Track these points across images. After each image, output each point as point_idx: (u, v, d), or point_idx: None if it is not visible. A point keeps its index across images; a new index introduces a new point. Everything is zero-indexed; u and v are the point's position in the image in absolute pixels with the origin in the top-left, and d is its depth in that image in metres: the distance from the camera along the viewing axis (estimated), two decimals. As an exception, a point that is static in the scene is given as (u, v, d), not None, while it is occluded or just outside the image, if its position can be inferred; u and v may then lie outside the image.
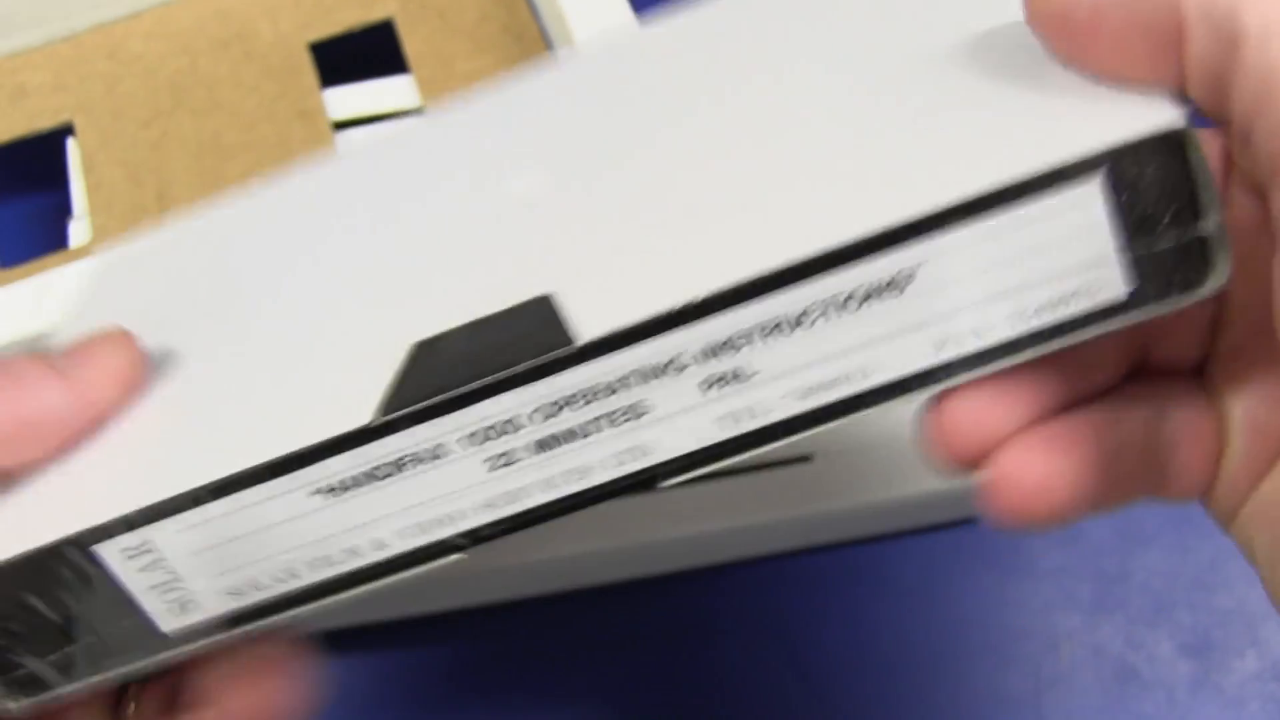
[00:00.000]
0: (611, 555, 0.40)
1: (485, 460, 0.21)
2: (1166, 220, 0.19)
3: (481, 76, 0.41)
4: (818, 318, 0.20)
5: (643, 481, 0.22)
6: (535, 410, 0.21)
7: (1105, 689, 0.43)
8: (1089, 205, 0.19)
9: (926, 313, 0.20)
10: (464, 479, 0.21)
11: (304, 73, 0.41)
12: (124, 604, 0.22)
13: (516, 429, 0.21)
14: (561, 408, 0.21)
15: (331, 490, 0.21)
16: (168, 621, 0.22)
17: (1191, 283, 0.20)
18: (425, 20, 0.42)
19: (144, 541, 0.22)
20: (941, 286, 0.20)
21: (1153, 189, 0.19)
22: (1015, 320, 0.20)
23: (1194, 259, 0.19)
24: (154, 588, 0.22)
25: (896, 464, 0.40)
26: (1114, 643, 0.43)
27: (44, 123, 0.41)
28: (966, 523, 0.44)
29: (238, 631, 0.23)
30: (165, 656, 0.23)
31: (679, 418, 0.21)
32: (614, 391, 0.21)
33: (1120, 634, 0.42)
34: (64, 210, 0.41)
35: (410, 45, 0.42)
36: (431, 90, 0.41)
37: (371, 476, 0.21)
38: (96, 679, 0.23)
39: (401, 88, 0.42)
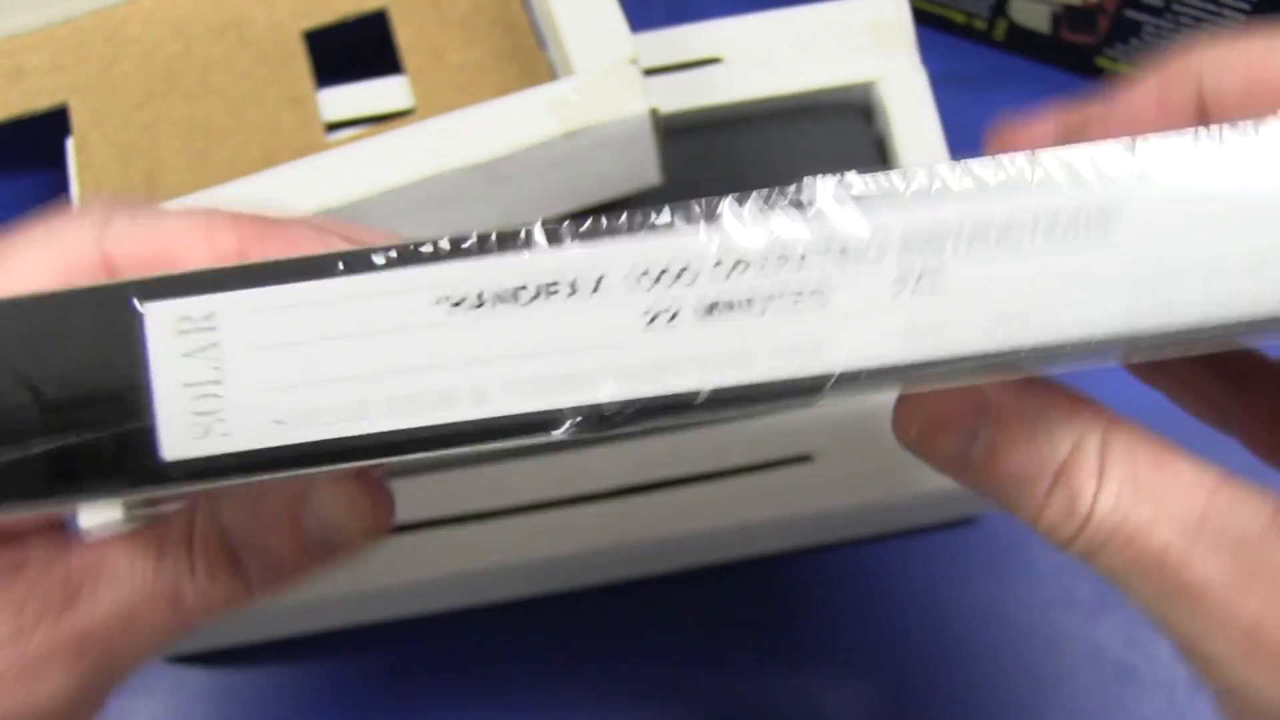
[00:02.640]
0: (611, 555, 0.40)
1: (645, 311, 0.18)
2: None
3: (471, 68, 0.41)
4: (1024, 232, 0.18)
5: (803, 389, 0.19)
6: (717, 263, 0.18)
7: (1105, 689, 0.43)
8: None
9: (1129, 259, 0.19)
10: (615, 327, 0.18)
11: (296, 60, 0.41)
12: (135, 404, 0.18)
13: (691, 279, 0.18)
14: (745, 268, 0.18)
15: (460, 303, 0.18)
16: (176, 443, 0.18)
17: None
18: (418, 11, 0.42)
19: (209, 315, 0.18)
20: (1149, 233, 0.18)
21: None
22: (1209, 301, 0.19)
23: None
24: (187, 386, 0.18)
25: (896, 464, 0.39)
26: (1114, 643, 0.42)
27: (40, 103, 0.42)
28: (966, 523, 0.44)
29: (252, 479, 0.19)
30: (140, 494, 0.19)
31: (864, 317, 0.19)
32: (801, 264, 0.18)
33: (1120, 634, 0.42)
34: (59, 188, 0.41)
35: (402, 35, 0.42)
36: (421, 80, 0.41)
37: (511, 297, 0.18)
38: (45, 507, 0.19)
39: (395, 89, 0.42)
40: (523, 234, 0.18)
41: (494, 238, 0.18)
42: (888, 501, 0.40)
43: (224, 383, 0.18)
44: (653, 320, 0.18)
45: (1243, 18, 0.45)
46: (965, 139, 0.44)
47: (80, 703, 0.23)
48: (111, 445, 0.18)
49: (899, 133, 0.42)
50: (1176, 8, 0.46)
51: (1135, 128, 0.21)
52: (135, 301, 0.18)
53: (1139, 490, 0.21)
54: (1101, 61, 0.50)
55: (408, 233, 0.37)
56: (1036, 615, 0.43)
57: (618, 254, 0.18)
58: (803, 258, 0.18)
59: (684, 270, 0.18)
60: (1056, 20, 0.49)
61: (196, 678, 0.43)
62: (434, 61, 0.41)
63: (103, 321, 0.18)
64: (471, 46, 0.41)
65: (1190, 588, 0.21)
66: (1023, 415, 0.22)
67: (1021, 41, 0.51)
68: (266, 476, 0.19)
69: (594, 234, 0.18)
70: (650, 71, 0.43)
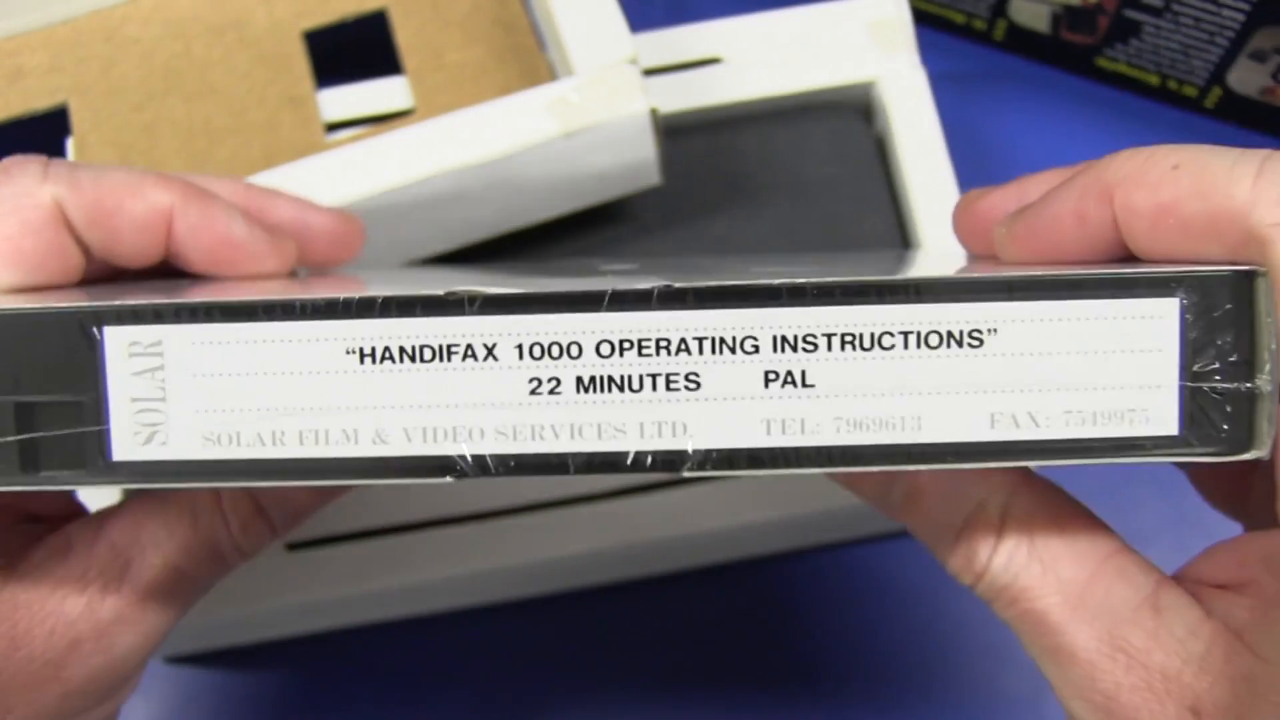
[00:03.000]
0: (611, 555, 0.40)
1: (530, 379, 0.21)
2: (1227, 362, 0.20)
3: (471, 68, 0.41)
4: (895, 344, 0.21)
5: (667, 462, 0.21)
6: (601, 341, 0.20)
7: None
8: (1165, 318, 0.20)
9: (993, 377, 0.21)
10: (500, 392, 0.21)
11: (296, 60, 0.41)
12: (94, 411, 0.21)
13: (573, 356, 0.21)
14: (625, 349, 0.21)
15: (368, 354, 0.21)
16: (124, 448, 0.21)
17: (1237, 440, 0.20)
18: (418, 11, 0.42)
19: (157, 341, 0.21)
20: (1017, 355, 0.20)
21: (1222, 327, 0.20)
22: (1070, 420, 0.21)
23: (1242, 414, 0.20)
24: (134, 400, 0.21)
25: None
26: (1113, 644, 0.42)
27: (40, 103, 0.41)
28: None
29: (182, 485, 0.22)
30: (93, 485, 0.22)
31: (731, 405, 0.21)
32: (680, 350, 0.21)
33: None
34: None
35: (402, 36, 0.42)
36: (421, 80, 0.41)
37: (414, 354, 0.21)
38: (12, 487, 0.22)
39: (395, 89, 0.42)
40: (429, 300, 0.21)
41: (403, 302, 0.21)
42: (888, 501, 0.40)
43: (166, 400, 0.21)
44: (536, 389, 0.21)
45: (1242, 18, 0.45)
46: (965, 139, 0.44)
47: (148, 652, 0.26)
48: (72, 443, 0.21)
49: (899, 133, 0.42)
50: (1176, 8, 0.46)
51: (1055, 235, 0.23)
52: (97, 325, 0.21)
53: (1032, 553, 0.23)
54: (1101, 62, 0.50)
55: (408, 232, 0.37)
56: (1036, 615, 0.43)
57: (511, 327, 0.21)
58: (681, 345, 0.21)
59: (570, 345, 0.21)
60: (1056, 20, 0.49)
61: (196, 678, 0.43)
62: (434, 61, 0.41)
63: (71, 338, 0.21)
64: (471, 46, 0.41)
65: (1063, 651, 0.22)
66: (938, 470, 0.23)
67: (1021, 41, 0.51)
68: (197, 485, 0.21)
69: (492, 306, 0.21)
70: (650, 71, 0.43)
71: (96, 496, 0.36)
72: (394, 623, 0.43)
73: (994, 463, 0.21)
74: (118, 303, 0.21)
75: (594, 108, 0.35)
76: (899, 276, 0.20)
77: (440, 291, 0.20)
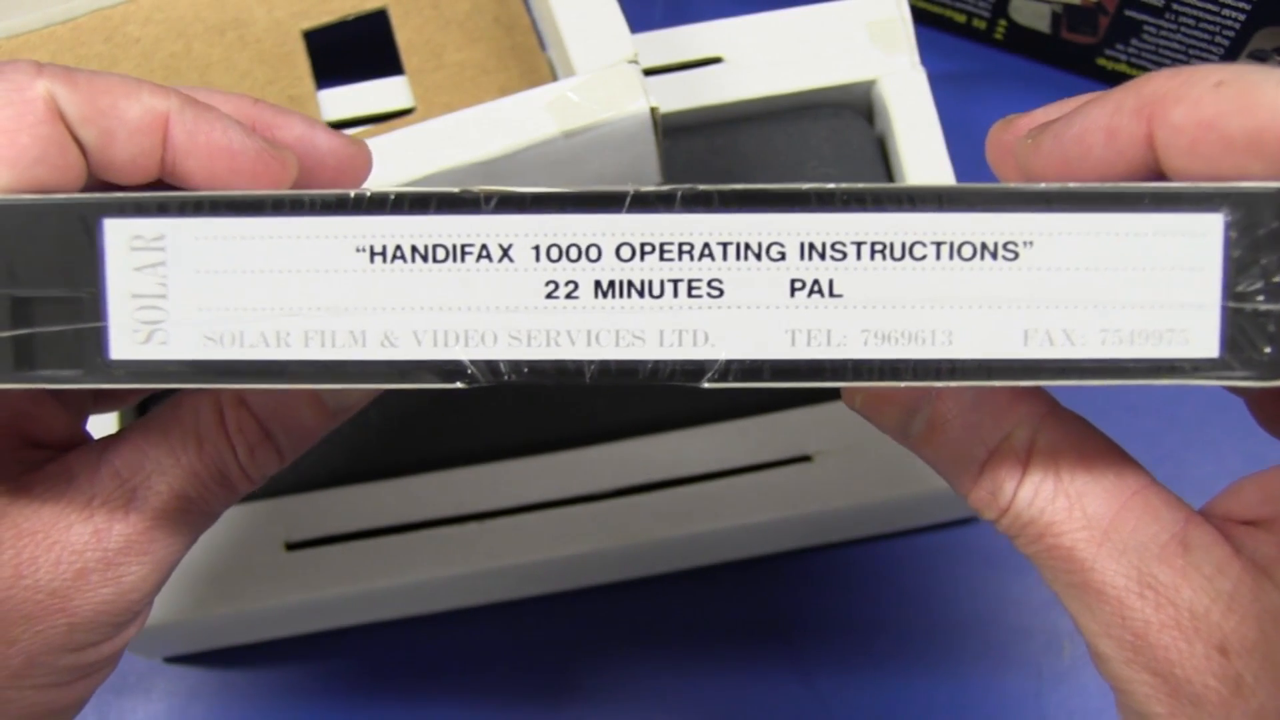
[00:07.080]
0: (611, 555, 0.40)
1: (547, 282, 0.20)
2: (1272, 283, 0.19)
3: (471, 68, 0.41)
4: (927, 255, 0.20)
5: (688, 373, 0.20)
6: (621, 244, 0.20)
7: (1105, 688, 0.43)
8: (1208, 235, 0.19)
9: (1028, 292, 0.20)
10: (515, 295, 0.20)
11: (296, 60, 0.41)
12: (92, 307, 0.20)
13: (592, 259, 0.20)
14: (646, 253, 0.20)
15: (379, 253, 0.20)
16: (122, 346, 0.20)
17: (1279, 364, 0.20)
18: (418, 11, 0.42)
19: (160, 235, 0.20)
20: (1053, 269, 0.20)
21: (1267, 246, 0.19)
22: (1107, 339, 0.20)
23: None
24: (135, 297, 0.20)
25: (896, 464, 0.40)
26: (1113, 644, 0.42)
27: (39, 104, 0.41)
28: (966, 523, 0.44)
29: (182, 386, 0.21)
30: (90, 385, 0.21)
31: (754, 314, 0.20)
32: (704, 255, 0.20)
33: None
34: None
35: (402, 35, 0.42)
36: (421, 80, 0.41)
37: (427, 254, 0.20)
38: (8, 385, 0.21)
39: (395, 89, 0.42)
40: (444, 198, 0.20)
41: (416, 199, 0.20)
42: (888, 501, 0.40)
43: (167, 297, 0.20)
44: (552, 293, 0.20)
45: (1242, 18, 0.45)
46: (965, 139, 0.44)
47: (157, 584, 0.25)
48: (70, 340, 0.21)
49: (899, 133, 0.42)
50: (1176, 8, 0.46)
51: (1081, 148, 0.22)
52: (97, 217, 0.20)
53: (1058, 487, 0.22)
54: (1101, 61, 0.50)
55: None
56: (1037, 614, 0.43)
57: (528, 227, 0.20)
58: (705, 250, 0.20)
59: (589, 248, 0.20)
60: (1056, 20, 0.49)
61: (195, 677, 0.44)
62: (434, 61, 0.41)
63: (70, 231, 0.20)
64: (471, 46, 0.41)
65: (1091, 587, 0.22)
66: (962, 400, 0.23)
67: (1021, 41, 0.51)
68: (197, 385, 0.21)
69: (509, 205, 0.20)
70: (650, 71, 0.43)
71: (102, 425, 0.36)
72: (394, 623, 0.43)
73: (1027, 381, 0.20)
74: (119, 194, 0.20)
75: (594, 108, 0.35)
76: (931, 185, 0.20)
77: (456, 189, 0.20)
